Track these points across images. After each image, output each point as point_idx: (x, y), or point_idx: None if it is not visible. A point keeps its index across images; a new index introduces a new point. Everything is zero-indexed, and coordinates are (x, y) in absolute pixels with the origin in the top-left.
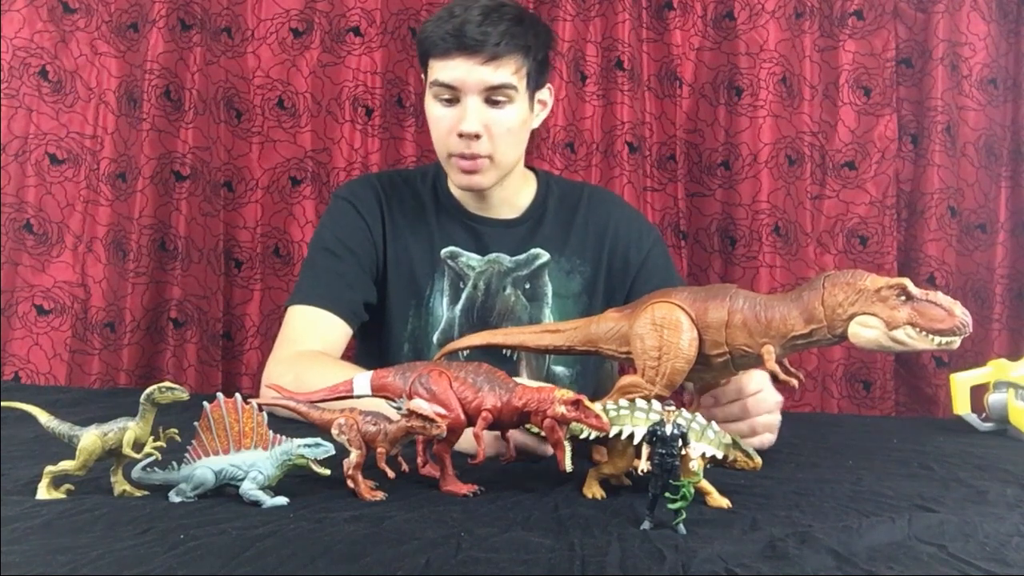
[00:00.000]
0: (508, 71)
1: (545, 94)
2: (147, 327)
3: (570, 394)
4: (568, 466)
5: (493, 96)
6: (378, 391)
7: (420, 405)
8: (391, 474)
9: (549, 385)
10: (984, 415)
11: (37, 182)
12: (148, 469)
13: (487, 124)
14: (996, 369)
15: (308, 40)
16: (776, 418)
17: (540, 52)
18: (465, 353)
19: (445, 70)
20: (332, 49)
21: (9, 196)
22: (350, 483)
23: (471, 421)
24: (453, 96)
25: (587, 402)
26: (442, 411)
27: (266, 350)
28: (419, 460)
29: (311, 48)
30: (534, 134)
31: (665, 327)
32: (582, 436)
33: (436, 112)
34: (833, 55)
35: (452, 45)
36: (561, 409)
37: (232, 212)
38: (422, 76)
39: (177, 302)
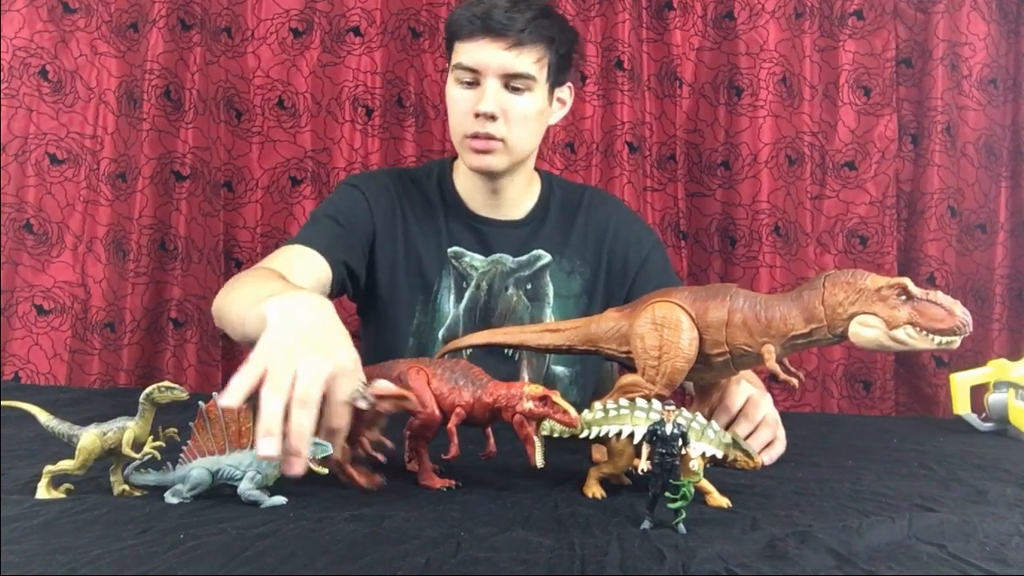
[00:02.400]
0: (530, 59)
1: (565, 93)
2: (147, 327)
3: (539, 389)
4: (539, 462)
5: (512, 83)
6: None
7: (382, 386)
8: (381, 458)
9: (521, 381)
10: (984, 415)
11: (37, 182)
12: (142, 470)
13: (504, 108)
14: (996, 369)
15: (308, 40)
16: (773, 413)
17: (563, 47)
18: (467, 352)
19: (468, 52)
20: (332, 49)
21: (9, 196)
22: (342, 478)
23: (447, 417)
24: (474, 79)
25: (555, 397)
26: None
27: None
28: (405, 456)
29: (311, 48)
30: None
31: (665, 326)
32: (582, 435)
33: (456, 94)
34: (833, 55)
35: (478, 28)
36: (528, 404)
37: (232, 212)
38: (447, 64)
39: (177, 302)
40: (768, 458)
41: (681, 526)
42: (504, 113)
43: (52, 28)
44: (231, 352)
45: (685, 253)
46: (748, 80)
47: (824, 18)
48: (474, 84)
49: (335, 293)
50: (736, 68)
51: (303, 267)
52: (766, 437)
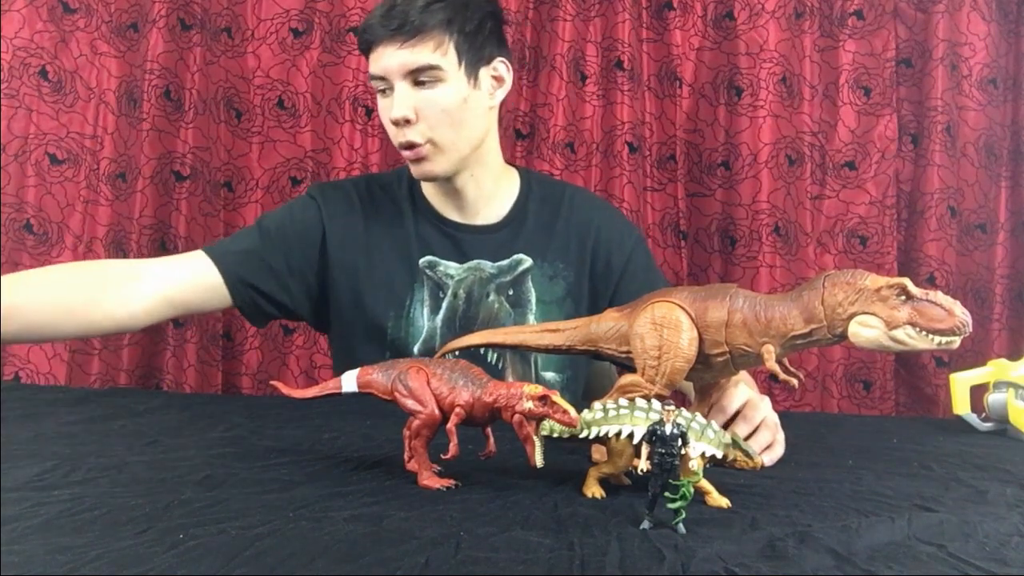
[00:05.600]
0: (427, 50)
1: (501, 69)
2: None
3: (539, 389)
4: (539, 462)
5: (419, 78)
6: (364, 388)
7: None
8: None
9: (520, 381)
10: (984, 415)
11: (37, 182)
12: None
13: (418, 107)
14: (996, 369)
15: (308, 40)
16: (772, 416)
17: (470, 24)
18: (456, 352)
19: (373, 61)
20: (332, 49)
21: (9, 196)
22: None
23: (446, 417)
24: (387, 86)
25: (556, 397)
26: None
27: (266, 350)
28: (405, 455)
29: (311, 48)
30: (510, 124)
31: (665, 326)
32: (582, 435)
33: (379, 105)
34: (833, 55)
35: (371, 35)
36: (528, 404)
37: (232, 212)
38: None
39: None
40: (768, 460)
41: (680, 526)
42: (419, 112)
43: (52, 28)
44: (231, 352)
45: (685, 253)
46: (748, 80)
47: (824, 18)
48: (389, 91)
49: (255, 315)
50: (736, 68)
51: (184, 276)
52: (766, 439)
